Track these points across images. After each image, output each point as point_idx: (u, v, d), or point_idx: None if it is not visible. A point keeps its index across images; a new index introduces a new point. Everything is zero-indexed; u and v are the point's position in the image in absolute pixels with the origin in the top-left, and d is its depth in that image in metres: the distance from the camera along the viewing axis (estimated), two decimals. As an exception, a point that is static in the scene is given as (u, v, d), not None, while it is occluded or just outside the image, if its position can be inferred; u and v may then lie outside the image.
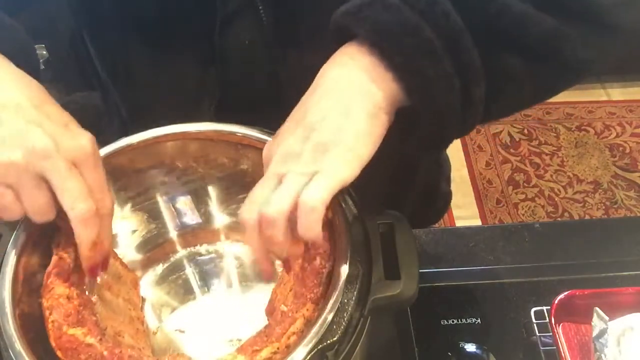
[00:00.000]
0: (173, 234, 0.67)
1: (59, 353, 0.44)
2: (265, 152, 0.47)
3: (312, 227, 0.41)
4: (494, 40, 0.42)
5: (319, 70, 0.46)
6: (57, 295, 0.46)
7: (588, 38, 0.42)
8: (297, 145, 0.42)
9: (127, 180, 0.60)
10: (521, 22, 0.42)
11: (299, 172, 0.42)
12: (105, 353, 0.44)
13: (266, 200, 0.42)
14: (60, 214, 0.53)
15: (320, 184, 0.41)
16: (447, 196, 0.94)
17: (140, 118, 0.65)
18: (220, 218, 0.67)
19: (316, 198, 0.41)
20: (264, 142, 0.55)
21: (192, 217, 0.67)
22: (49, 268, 0.49)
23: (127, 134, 0.58)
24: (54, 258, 0.49)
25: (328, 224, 0.52)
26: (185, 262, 0.66)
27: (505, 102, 0.46)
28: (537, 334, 0.66)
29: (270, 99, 0.60)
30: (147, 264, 0.65)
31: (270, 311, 0.57)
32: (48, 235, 0.52)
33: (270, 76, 0.45)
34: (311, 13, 0.59)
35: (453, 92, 0.42)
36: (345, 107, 0.43)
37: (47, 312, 0.46)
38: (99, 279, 0.55)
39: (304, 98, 0.46)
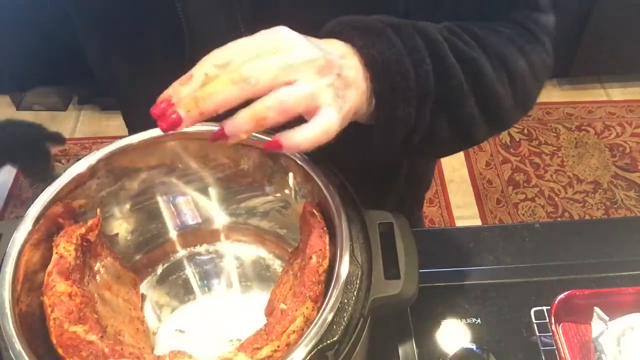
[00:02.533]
0: (173, 234, 0.67)
1: (60, 350, 0.44)
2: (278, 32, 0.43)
3: (312, 138, 0.42)
4: (443, 104, 0.51)
5: None
6: (59, 293, 0.47)
7: (490, 127, 0.56)
8: (321, 60, 0.42)
9: (127, 180, 0.60)
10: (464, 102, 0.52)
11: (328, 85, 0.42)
12: (106, 350, 0.44)
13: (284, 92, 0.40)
14: (61, 213, 0.54)
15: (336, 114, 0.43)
16: (430, 179, 0.94)
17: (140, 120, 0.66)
18: (220, 218, 0.67)
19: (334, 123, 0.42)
20: (264, 142, 0.55)
21: (192, 217, 0.67)
22: (50, 267, 0.49)
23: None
24: (55, 257, 0.49)
25: (325, 223, 0.52)
26: (185, 262, 0.66)
27: (426, 150, 0.56)
28: (537, 334, 0.66)
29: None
30: (147, 264, 0.65)
31: (270, 312, 0.57)
32: (48, 235, 0.52)
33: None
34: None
35: (404, 131, 0.50)
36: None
37: (48, 310, 0.46)
38: (98, 279, 0.55)
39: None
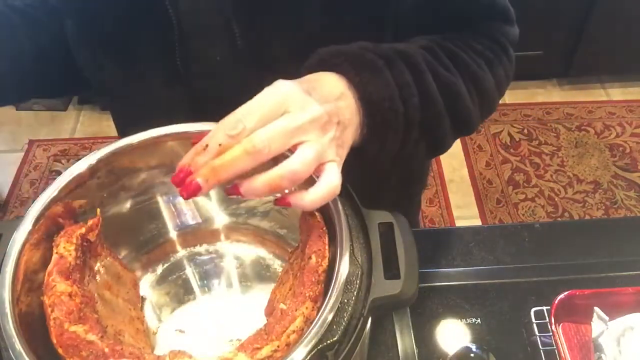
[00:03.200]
0: (173, 234, 0.67)
1: (60, 350, 0.44)
2: (282, 89, 0.45)
3: (318, 200, 0.45)
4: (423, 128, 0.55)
5: None
6: (59, 293, 0.47)
7: (458, 136, 0.60)
8: (324, 117, 0.45)
9: (127, 180, 0.60)
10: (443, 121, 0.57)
11: (327, 142, 0.45)
12: (106, 350, 0.44)
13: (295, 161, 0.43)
14: (61, 213, 0.54)
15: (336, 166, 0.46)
16: (426, 176, 0.96)
17: (130, 123, 0.66)
18: (220, 218, 0.67)
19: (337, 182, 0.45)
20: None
21: (192, 217, 0.67)
22: (50, 266, 0.49)
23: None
24: (55, 257, 0.49)
25: (325, 223, 0.52)
26: (185, 262, 0.66)
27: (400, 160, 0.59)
28: (537, 334, 0.66)
29: None
30: (147, 264, 0.65)
31: (270, 312, 0.57)
32: (48, 235, 0.52)
33: (242, 94, 0.46)
34: (286, 34, 0.60)
35: (389, 155, 0.54)
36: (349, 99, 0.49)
37: (48, 310, 0.46)
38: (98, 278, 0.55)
39: (306, 77, 0.48)
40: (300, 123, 0.43)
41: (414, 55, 0.54)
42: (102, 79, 0.70)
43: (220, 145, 0.42)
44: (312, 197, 0.44)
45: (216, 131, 0.43)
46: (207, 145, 0.43)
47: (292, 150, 0.44)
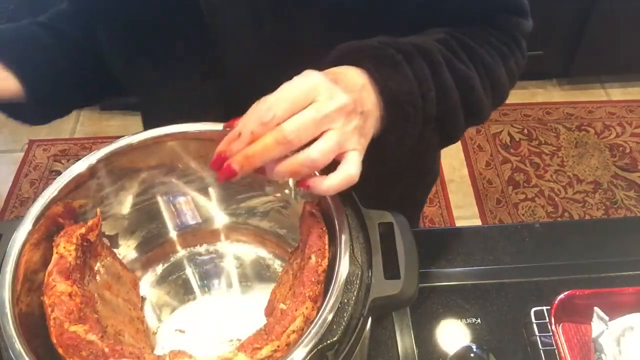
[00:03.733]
0: (173, 234, 0.67)
1: (60, 350, 0.44)
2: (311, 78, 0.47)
3: (337, 186, 0.46)
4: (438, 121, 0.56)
5: None
6: (59, 293, 0.47)
7: (469, 125, 0.61)
8: (350, 105, 0.46)
9: (127, 180, 0.60)
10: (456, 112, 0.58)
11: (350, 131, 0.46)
12: (106, 350, 0.44)
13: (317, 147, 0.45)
14: (61, 213, 0.54)
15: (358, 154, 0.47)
16: (436, 173, 0.96)
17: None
18: (220, 218, 0.67)
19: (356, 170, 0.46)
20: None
21: (192, 217, 0.67)
22: (50, 266, 0.49)
23: None
24: (55, 256, 0.49)
25: (325, 223, 0.52)
26: (185, 262, 0.66)
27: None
28: (537, 334, 0.66)
29: None
30: (147, 264, 0.65)
31: (270, 312, 0.57)
32: (48, 235, 0.52)
33: (273, 83, 0.47)
34: (314, 26, 0.61)
35: (406, 149, 0.55)
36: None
37: (48, 310, 0.46)
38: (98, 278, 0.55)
39: (330, 70, 0.50)
40: (327, 112, 0.44)
41: (432, 49, 0.56)
42: (136, 80, 0.70)
43: (252, 133, 0.44)
44: (330, 183, 0.46)
45: (248, 119, 0.45)
46: (240, 134, 0.45)
47: (318, 137, 0.45)
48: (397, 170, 0.81)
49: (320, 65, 0.50)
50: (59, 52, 0.67)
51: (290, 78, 0.46)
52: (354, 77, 0.50)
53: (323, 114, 0.44)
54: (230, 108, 0.53)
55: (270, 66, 0.62)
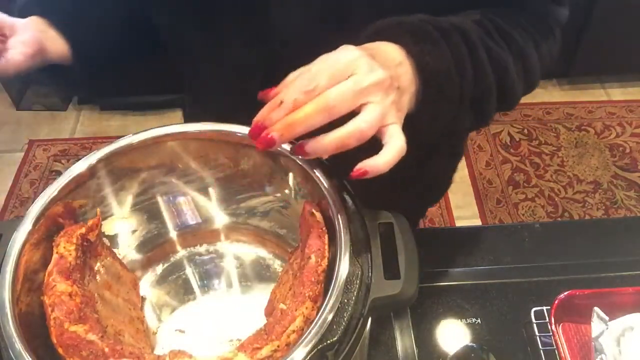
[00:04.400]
0: (173, 234, 0.67)
1: (60, 350, 0.44)
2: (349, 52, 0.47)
3: (392, 161, 0.46)
4: (473, 102, 0.56)
5: None
6: (59, 293, 0.47)
7: (500, 109, 0.61)
8: (387, 80, 0.47)
9: (127, 180, 0.60)
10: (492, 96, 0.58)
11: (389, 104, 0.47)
12: (106, 349, 0.44)
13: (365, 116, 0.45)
14: (61, 213, 0.54)
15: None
16: (448, 184, 0.96)
17: (202, 96, 0.66)
18: (220, 218, 0.67)
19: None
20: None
21: (192, 217, 0.67)
22: (50, 266, 0.49)
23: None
24: (55, 256, 0.49)
25: (325, 223, 0.52)
26: (185, 262, 0.66)
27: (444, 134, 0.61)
28: (537, 334, 0.66)
29: None
30: (147, 264, 0.65)
31: (270, 312, 0.57)
32: (48, 235, 0.52)
33: (320, 53, 0.48)
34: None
35: (440, 128, 0.56)
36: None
37: (49, 310, 0.46)
38: (98, 278, 0.55)
39: (367, 45, 0.50)
40: (367, 84, 0.45)
41: (469, 29, 0.56)
42: (182, 43, 0.70)
43: (294, 101, 0.44)
44: (386, 159, 0.46)
45: (291, 88, 0.45)
46: (281, 102, 0.45)
47: (356, 110, 0.45)
48: (409, 178, 0.81)
49: (360, 39, 0.51)
50: (105, 13, 0.67)
51: (331, 50, 0.47)
52: (391, 52, 0.50)
53: (363, 86, 0.45)
54: (270, 77, 0.53)
55: (317, 37, 0.61)
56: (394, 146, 0.46)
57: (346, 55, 0.46)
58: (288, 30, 0.64)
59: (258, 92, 0.52)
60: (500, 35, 0.59)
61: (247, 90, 0.58)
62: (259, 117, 0.46)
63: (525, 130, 2.19)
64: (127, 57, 0.73)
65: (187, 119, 0.87)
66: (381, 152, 0.46)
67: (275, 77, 0.50)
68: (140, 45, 0.73)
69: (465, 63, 0.53)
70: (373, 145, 0.48)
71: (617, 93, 2.34)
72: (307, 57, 0.47)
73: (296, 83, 0.45)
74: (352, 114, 0.46)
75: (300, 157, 0.49)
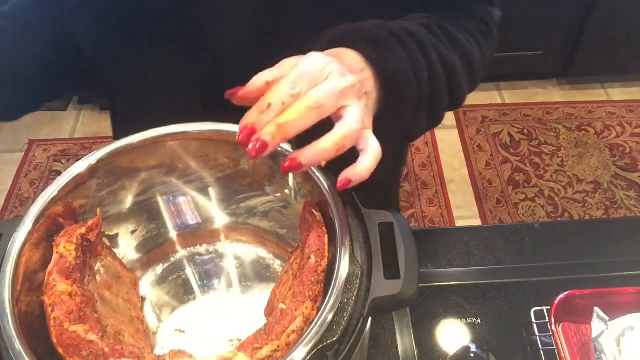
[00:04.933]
0: (173, 234, 0.67)
1: (60, 350, 0.44)
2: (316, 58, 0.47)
3: (371, 167, 0.46)
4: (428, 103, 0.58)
5: None
6: (59, 293, 0.47)
7: (449, 109, 0.62)
8: (358, 85, 0.47)
9: (127, 180, 0.60)
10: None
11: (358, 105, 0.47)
12: (106, 349, 0.44)
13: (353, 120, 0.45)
14: (61, 213, 0.54)
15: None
16: (397, 192, 0.98)
17: (132, 115, 0.65)
18: (220, 218, 0.67)
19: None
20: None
21: (192, 217, 0.67)
22: (50, 266, 0.49)
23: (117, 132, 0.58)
24: (55, 256, 0.49)
25: (325, 223, 0.52)
26: (185, 262, 0.66)
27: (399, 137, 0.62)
28: (537, 334, 0.66)
29: None
30: (147, 264, 0.65)
31: (270, 312, 0.57)
32: (48, 235, 0.52)
33: (257, 68, 0.47)
34: (300, 6, 0.61)
35: (399, 132, 0.57)
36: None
37: (49, 310, 0.46)
38: (98, 279, 0.55)
39: (329, 51, 0.50)
40: (343, 87, 0.45)
41: (420, 34, 0.58)
42: (112, 69, 0.69)
43: (283, 103, 0.43)
44: (367, 166, 0.46)
45: (277, 91, 0.44)
46: (270, 104, 0.43)
47: (334, 116, 0.45)
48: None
49: (316, 46, 0.51)
50: (25, 46, 0.64)
51: (274, 63, 0.46)
52: (354, 58, 0.50)
53: (341, 88, 0.45)
54: (209, 94, 0.53)
55: (254, 52, 0.62)
56: (372, 151, 0.46)
57: (320, 59, 0.46)
58: (222, 46, 0.64)
59: (199, 107, 0.51)
60: (447, 39, 0.61)
61: (187, 108, 0.58)
62: (247, 120, 0.43)
63: (525, 130, 2.19)
64: (47, 90, 0.70)
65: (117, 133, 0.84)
66: (361, 159, 0.46)
67: (214, 93, 0.50)
68: (63, 75, 0.70)
69: (421, 66, 0.55)
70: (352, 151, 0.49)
71: (617, 93, 2.34)
72: (245, 72, 0.47)
73: (280, 87, 0.44)
74: (325, 128, 0.45)
75: (292, 172, 0.47)
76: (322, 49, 0.50)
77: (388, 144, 0.56)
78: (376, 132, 0.51)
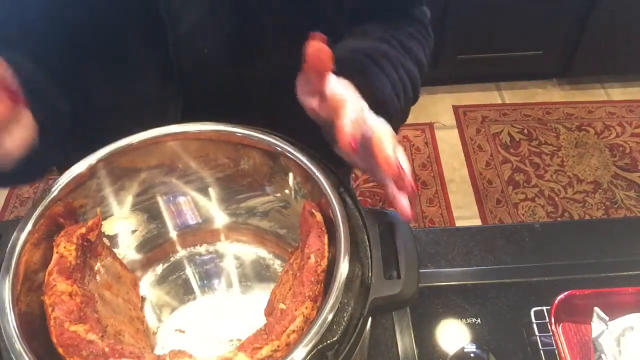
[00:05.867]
0: (173, 234, 0.67)
1: (60, 350, 0.44)
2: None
3: None
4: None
5: (281, 75, 0.54)
6: (60, 292, 0.47)
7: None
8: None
9: (127, 180, 0.60)
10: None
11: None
12: (106, 349, 0.44)
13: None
14: (61, 213, 0.54)
15: None
16: None
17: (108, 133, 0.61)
18: (220, 218, 0.67)
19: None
20: (264, 142, 0.57)
21: (192, 217, 0.67)
22: (51, 266, 0.49)
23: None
24: (55, 256, 0.49)
25: (325, 223, 0.52)
26: (185, 262, 0.66)
27: None
28: (537, 334, 0.66)
29: (234, 104, 0.62)
30: (147, 264, 0.65)
31: (270, 312, 0.57)
32: (48, 235, 0.52)
33: (233, 84, 0.49)
34: (273, 22, 0.63)
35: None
36: None
37: (49, 309, 0.46)
38: (98, 276, 0.55)
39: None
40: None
41: (386, 50, 0.63)
42: (90, 93, 0.66)
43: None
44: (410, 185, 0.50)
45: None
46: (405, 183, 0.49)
47: None
48: None
49: (283, 57, 0.54)
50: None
51: (250, 77, 0.51)
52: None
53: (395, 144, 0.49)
54: (188, 113, 0.53)
55: (229, 66, 0.64)
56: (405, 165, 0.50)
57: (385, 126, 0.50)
58: (200, 64, 0.65)
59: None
60: (404, 50, 0.66)
61: (168, 122, 0.57)
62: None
63: (525, 130, 2.19)
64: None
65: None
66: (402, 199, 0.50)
67: (193, 110, 0.50)
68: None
69: (397, 82, 0.60)
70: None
71: (617, 93, 2.34)
72: (224, 83, 0.48)
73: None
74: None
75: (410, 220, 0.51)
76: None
77: None
78: None
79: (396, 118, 0.59)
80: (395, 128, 0.57)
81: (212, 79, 0.65)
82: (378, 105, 0.53)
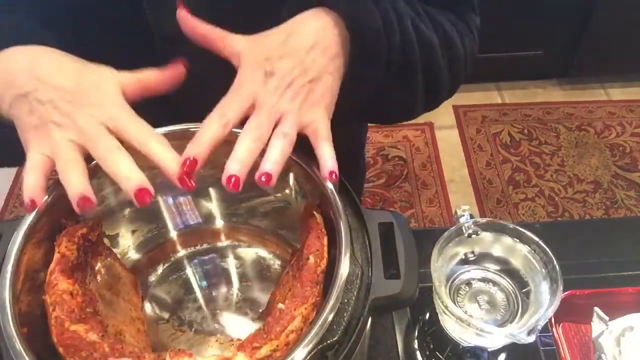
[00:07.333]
0: (173, 234, 0.67)
1: (60, 350, 0.44)
2: (247, 50, 0.50)
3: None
4: (399, 75, 0.58)
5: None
6: (61, 292, 0.47)
7: (427, 98, 0.63)
8: (289, 76, 0.49)
9: (127, 180, 0.60)
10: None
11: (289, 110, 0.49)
12: (106, 349, 0.44)
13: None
14: (62, 213, 0.54)
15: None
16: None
17: None
18: (220, 218, 0.67)
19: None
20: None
21: (192, 217, 0.67)
22: (52, 265, 0.49)
23: None
24: (57, 256, 0.49)
25: (325, 223, 0.52)
26: (185, 262, 0.66)
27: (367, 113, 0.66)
28: (537, 334, 0.66)
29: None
30: (147, 264, 0.65)
31: (269, 313, 0.57)
32: (49, 234, 0.52)
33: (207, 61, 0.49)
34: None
35: (367, 93, 0.57)
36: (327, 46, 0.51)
37: (50, 308, 0.46)
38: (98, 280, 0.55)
39: (283, 26, 0.51)
40: (271, 104, 0.48)
41: (398, 1, 0.58)
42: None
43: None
44: (330, 166, 0.49)
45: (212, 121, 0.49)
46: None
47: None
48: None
49: (287, 4, 0.52)
50: None
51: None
52: (306, 32, 0.51)
53: (269, 109, 0.48)
54: (174, 110, 0.53)
55: (215, 70, 0.62)
56: (329, 152, 0.49)
57: (246, 89, 0.49)
58: (169, 30, 0.61)
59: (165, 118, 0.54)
60: (429, 19, 0.60)
61: (154, 118, 0.57)
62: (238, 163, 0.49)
63: (525, 130, 2.19)
64: None
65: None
66: (326, 155, 0.49)
67: (178, 110, 0.50)
68: None
69: (393, 27, 0.54)
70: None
71: (617, 93, 2.34)
72: (198, 57, 0.48)
73: (214, 115, 0.49)
74: None
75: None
76: (292, 13, 0.51)
77: (355, 107, 0.57)
78: (345, 92, 0.53)
79: (380, 57, 0.54)
80: (378, 72, 0.55)
81: (197, 84, 0.64)
82: (356, 32, 0.51)
